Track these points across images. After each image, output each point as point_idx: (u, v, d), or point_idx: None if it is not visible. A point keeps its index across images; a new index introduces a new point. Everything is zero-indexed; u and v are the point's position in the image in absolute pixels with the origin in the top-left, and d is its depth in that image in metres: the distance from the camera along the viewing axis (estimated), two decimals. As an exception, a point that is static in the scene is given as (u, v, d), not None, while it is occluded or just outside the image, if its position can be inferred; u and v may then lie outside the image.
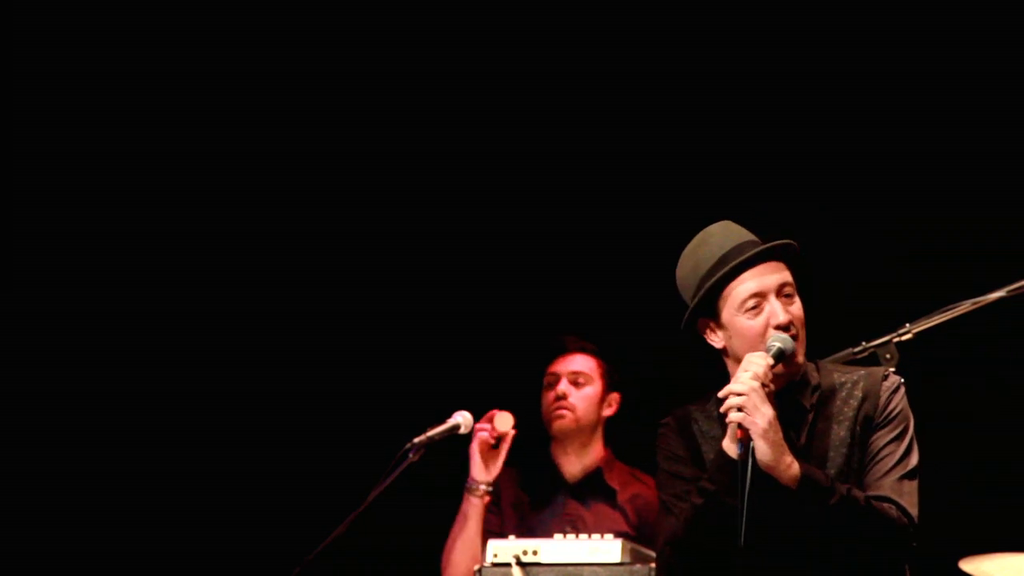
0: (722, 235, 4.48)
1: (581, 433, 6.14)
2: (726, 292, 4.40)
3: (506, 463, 6.09)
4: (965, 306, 5.14)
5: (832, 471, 4.35)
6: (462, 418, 5.70)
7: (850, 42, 6.65)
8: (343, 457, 6.68)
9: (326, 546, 5.30)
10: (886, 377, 4.47)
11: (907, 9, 6.59)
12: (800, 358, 4.40)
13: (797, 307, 4.39)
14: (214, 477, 6.97)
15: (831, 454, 4.39)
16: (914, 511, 4.35)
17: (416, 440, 5.48)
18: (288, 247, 7.14)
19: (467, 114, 7.04)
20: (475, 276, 7.00)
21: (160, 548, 6.97)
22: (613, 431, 6.23)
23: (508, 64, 7.02)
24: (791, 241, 4.44)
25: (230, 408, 7.01)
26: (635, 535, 5.90)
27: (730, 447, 4.25)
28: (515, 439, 6.03)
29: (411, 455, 5.44)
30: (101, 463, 7.00)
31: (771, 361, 4.29)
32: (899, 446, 4.40)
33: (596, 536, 5.39)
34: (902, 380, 4.50)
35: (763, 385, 4.23)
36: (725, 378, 4.38)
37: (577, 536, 5.44)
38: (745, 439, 4.19)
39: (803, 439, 4.39)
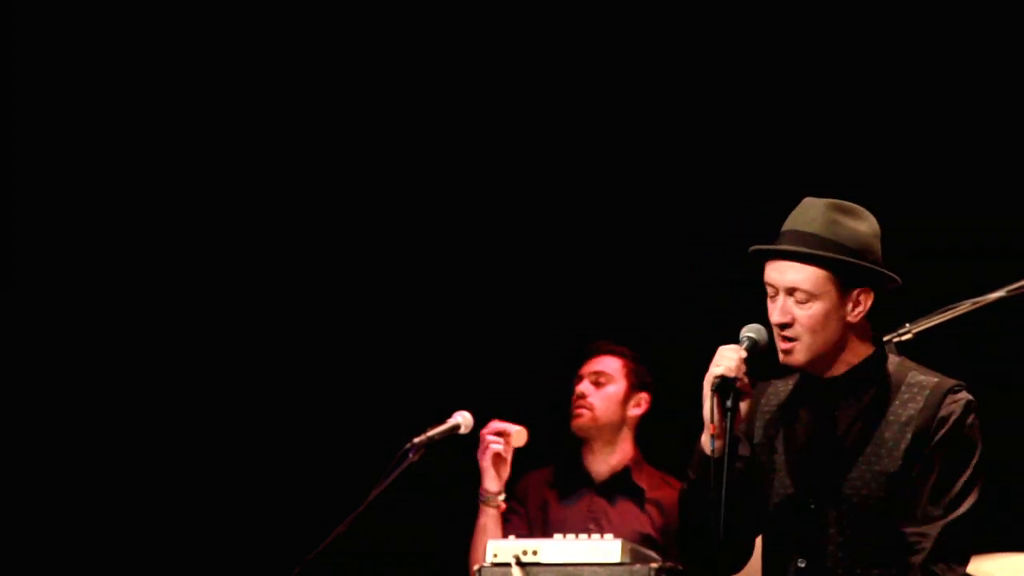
0: (802, 212, 4.41)
1: (604, 431, 6.15)
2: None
3: (541, 464, 6.14)
4: (965, 306, 5.15)
5: (877, 469, 4.27)
6: (462, 418, 5.70)
7: (851, 42, 6.65)
8: (343, 457, 6.68)
9: (326, 546, 5.31)
10: (954, 391, 4.34)
11: (907, 9, 6.59)
12: (799, 359, 4.36)
13: (807, 313, 4.31)
14: (214, 477, 6.97)
15: (883, 452, 4.30)
16: (960, 559, 4.25)
17: (416, 440, 5.49)
18: (289, 247, 7.14)
19: (484, 113, 7.03)
20: (478, 275, 7.00)
21: (160, 548, 6.97)
22: (645, 434, 6.22)
23: (538, 64, 7.01)
24: (819, 253, 4.32)
25: (230, 408, 7.01)
26: (660, 537, 5.92)
27: (706, 442, 4.25)
28: (550, 441, 6.05)
29: (411, 455, 5.45)
30: (101, 463, 7.00)
31: (744, 354, 4.28)
32: (954, 485, 4.30)
33: (596, 536, 5.38)
34: (972, 399, 4.34)
35: (736, 379, 4.23)
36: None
37: (599, 535, 5.42)
38: (718, 435, 4.19)
39: (842, 429, 4.34)
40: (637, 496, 6.10)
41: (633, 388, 6.18)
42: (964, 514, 4.29)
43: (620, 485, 6.13)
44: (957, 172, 6.46)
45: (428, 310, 7.04)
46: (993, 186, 6.43)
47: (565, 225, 6.96)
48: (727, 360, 4.24)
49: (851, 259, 4.34)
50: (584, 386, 6.16)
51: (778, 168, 6.63)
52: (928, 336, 5.11)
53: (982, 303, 5.15)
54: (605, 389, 6.16)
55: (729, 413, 4.21)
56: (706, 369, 4.31)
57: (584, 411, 6.13)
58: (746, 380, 4.25)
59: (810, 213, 4.39)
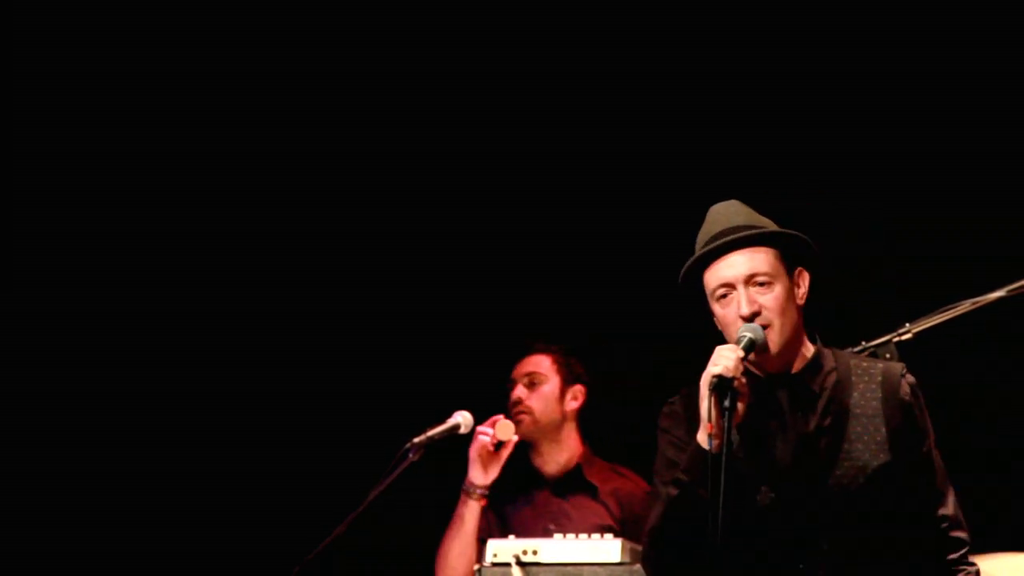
0: (718, 215, 4.44)
1: (547, 431, 6.14)
2: (704, 279, 4.40)
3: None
4: (965, 306, 5.16)
5: (859, 464, 4.30)
6: (462, 418, 5.71)
7: (851, 42, 6.65)
8: (343, 457, 6.68)
9: (326, 546, 5.31)
10: (903, 375, 4.44)
11: (908, 8, 6.60)
12: (774, 347, 4.35)
13: (771, 296, 4.32)
14: (214, 477, 6.98)
15: (859, 447, 4.31)
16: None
17: (416, 440, 5.50)
18: (287, 247, 7.14)
19: (485, 113, 7.03)
20: (475, 276, 7.00)
21: (160, 548, 6.97)
22: (590, 428, 6.22)
23: (484, 64, 7.02)
24: (768, 229, 4.36)
25: (230, 408, 7.02)
26: (619, 528, 5.91)
27: (703, 441, 4.24)
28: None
29: (411, 455, 5.46)
30: (101, 463, 7.00)
31: (742, 353, 4.27)
32: (935, 463, 4.43)
33: (596, 536, 5.38)
34: (914, 379, 4.46)
35: (735, 379, 4.22)
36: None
37: (565, 535, 5.42)
38: (715, 434, 4.19)
39: (812, 425, 4.34)
40: (591, 492, 6.09)
41: (567, 382, 6.19)
42: (950, 484, 4.44)
43: (573, 483, 6.12)
44: (957, 172, 6.46)
45: (427, 310, 7.04)
46: (993, 186, 6.43)
47: (566, 225, 6.96)
48: (725, 360, 4.23)
49: (796, 232, 4.38)
50: (519, 390, 6.15)
51: (777, 168, 6.63)
52: (928, 336, 5.11)
53: (982, 303, 5.16)
54: (540, 389, 6.16)
55: (727, 412, 4.22)
56: (703, 369, 4.30)
57: (524, 416, 6.13)
58: (743, 380, 4.24)
59: (728, 213, 4.44)
